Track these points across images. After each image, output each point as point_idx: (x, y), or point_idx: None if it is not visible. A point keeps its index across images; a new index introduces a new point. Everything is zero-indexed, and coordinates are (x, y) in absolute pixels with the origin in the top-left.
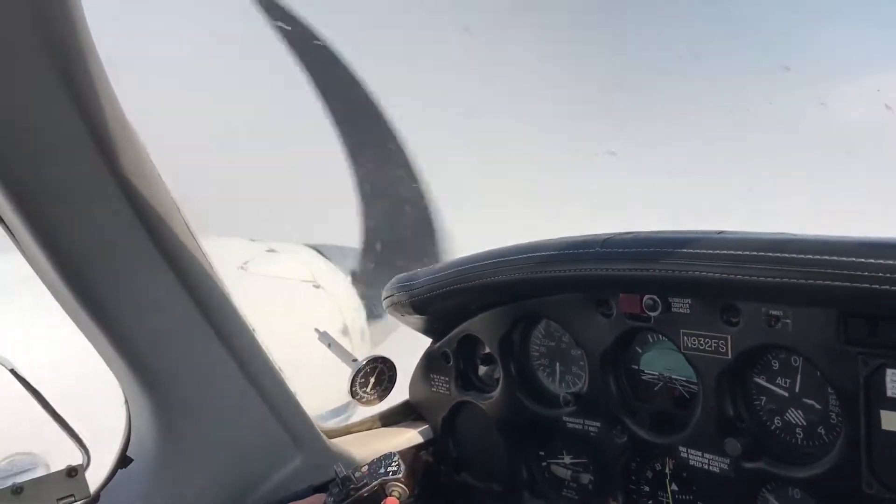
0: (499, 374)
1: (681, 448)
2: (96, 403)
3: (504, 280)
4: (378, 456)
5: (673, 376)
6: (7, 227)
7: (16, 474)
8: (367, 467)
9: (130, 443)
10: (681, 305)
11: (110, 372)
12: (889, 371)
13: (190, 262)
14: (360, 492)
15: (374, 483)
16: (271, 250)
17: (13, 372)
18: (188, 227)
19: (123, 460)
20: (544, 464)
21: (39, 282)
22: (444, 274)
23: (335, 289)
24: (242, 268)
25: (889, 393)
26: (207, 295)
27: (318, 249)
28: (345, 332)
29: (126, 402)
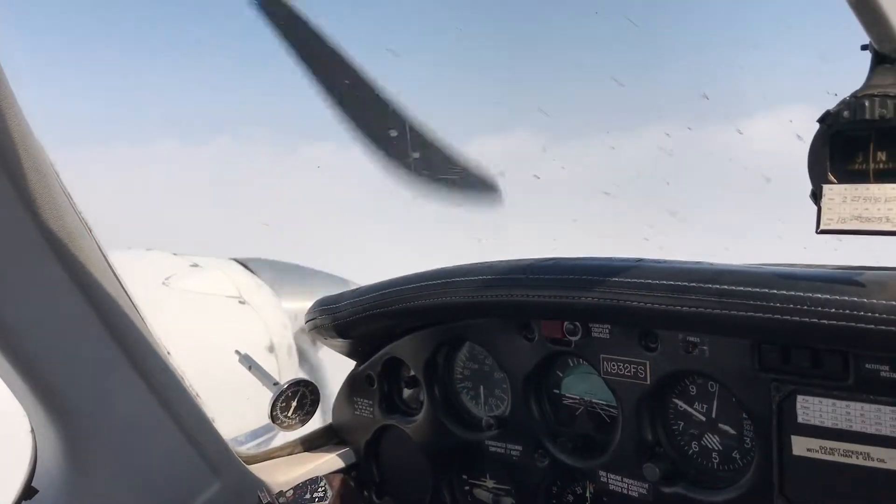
0: (423, 397)
1: (601, 472)
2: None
3: (427, 304)
4: (304, 480)
5: (594, 400)
6: None
7: None
8: (292, 492)
9: (36, 473)
10: (601, 331)
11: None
12: (800, 398)
13: (100, 283)
14: None
15: None
16: (195, 265)
17: None
18: (99, 249)
19: (28, 492)
20: (467, 487)
21: None
22: (368, 297)
23: (261, 304)
24: (165, 283)
25: (800, 419)
26: (119, 318)
27: (243, 264)
28: (271, 349)
29: (32, 430)
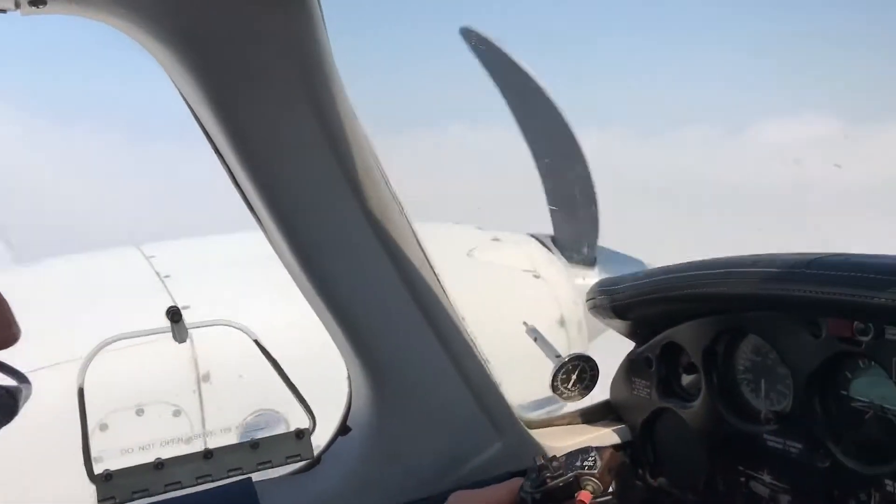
0: (701, 384)
1: (887, 481)
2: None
3: (705, 293)
4: (575, 449)
5: (885, 406)
6: (258, 219)
7: (261, 429)
8: (564, 458)
9: (350, 413)
10: (895, 333)
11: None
12: None
13: (408, 256)
14: (556, 481)
15: (569, 474)
16: (496, 239)
17: (256, 342)
18: (409, 225)
19: (343, 429)
20: (743, 479)
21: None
22: (647, 281)
23: (554, 280)
24: (469, 255)
25: None
26: (422, 286)
27: (540, 240)
28: (562, 323)
29: (349, 377)
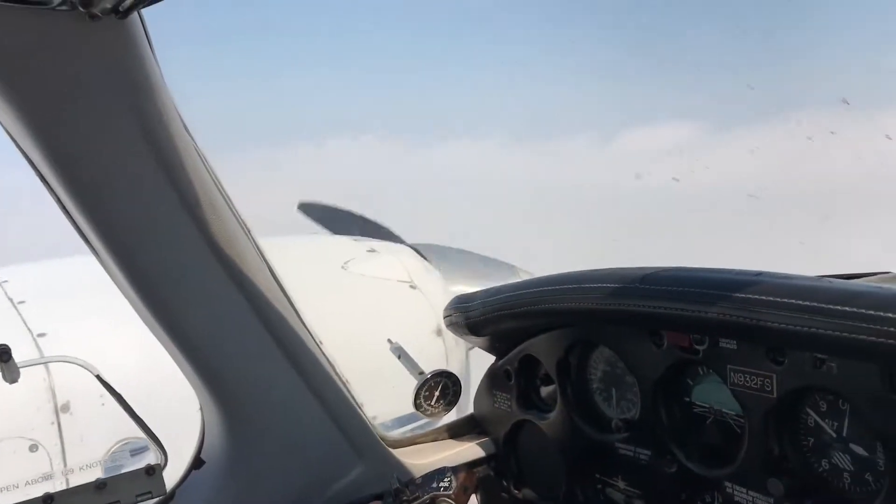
0: (557, 395)
1: (726, 483)
2: (176, 407)
3: (552, 308)
4: (432, 471)
5: (724, 410)
6: (88, 243)
7: (130, 459)
8: (420, 480)
9: (204, 446)
10: (728, 342)
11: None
12: None
13: (255, 281)
14: None
15: (425, 497)
16: (372, 250)
17: (98, 378)
18: (258, 250)
19: (197, 462)
20: (599, 486)
21: None
22: (498, 298)
23: (430, 290)
24: (343, 267)
25: None
26: (274, 313)
27: (417, 250)
28: (438, 332)
29: (201, 408)
